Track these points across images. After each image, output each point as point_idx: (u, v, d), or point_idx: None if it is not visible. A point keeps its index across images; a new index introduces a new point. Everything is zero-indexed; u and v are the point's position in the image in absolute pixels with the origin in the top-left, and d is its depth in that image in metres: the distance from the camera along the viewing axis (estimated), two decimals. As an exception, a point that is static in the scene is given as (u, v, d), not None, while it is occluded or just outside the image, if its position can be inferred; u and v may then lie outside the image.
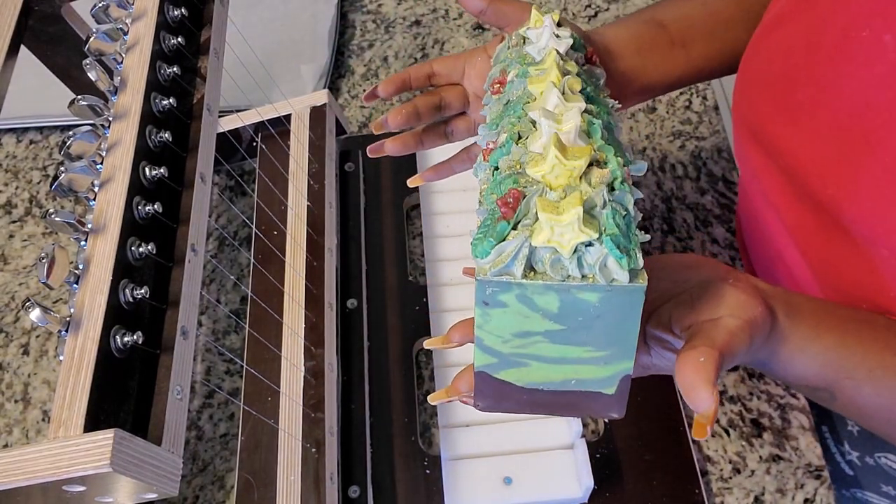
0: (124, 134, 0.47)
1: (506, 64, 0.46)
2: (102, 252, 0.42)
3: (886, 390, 0.44)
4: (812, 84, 0.48)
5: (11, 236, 0.80)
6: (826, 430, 0.77)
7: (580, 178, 0.34)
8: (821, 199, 0.49)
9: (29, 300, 0.39)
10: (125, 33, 0.51)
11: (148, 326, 0.43)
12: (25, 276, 0.78)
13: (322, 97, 0.75)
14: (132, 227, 0.44)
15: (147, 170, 0.46)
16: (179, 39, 0.53)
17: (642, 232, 0.34)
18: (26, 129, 0.88)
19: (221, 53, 0.56)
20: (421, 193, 0.77)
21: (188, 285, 0.45)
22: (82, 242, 0.43)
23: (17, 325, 0.74)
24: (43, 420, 0.69)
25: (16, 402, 0.70)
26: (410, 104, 0.54)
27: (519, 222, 0.33)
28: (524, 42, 0.46)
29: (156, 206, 0.45)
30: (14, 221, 0.82)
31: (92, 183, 0.45)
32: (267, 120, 0.74)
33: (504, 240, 0.33)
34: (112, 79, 0.49)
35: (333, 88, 0.89)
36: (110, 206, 0.44)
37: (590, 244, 0.32)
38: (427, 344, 0.44)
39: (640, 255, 0.32)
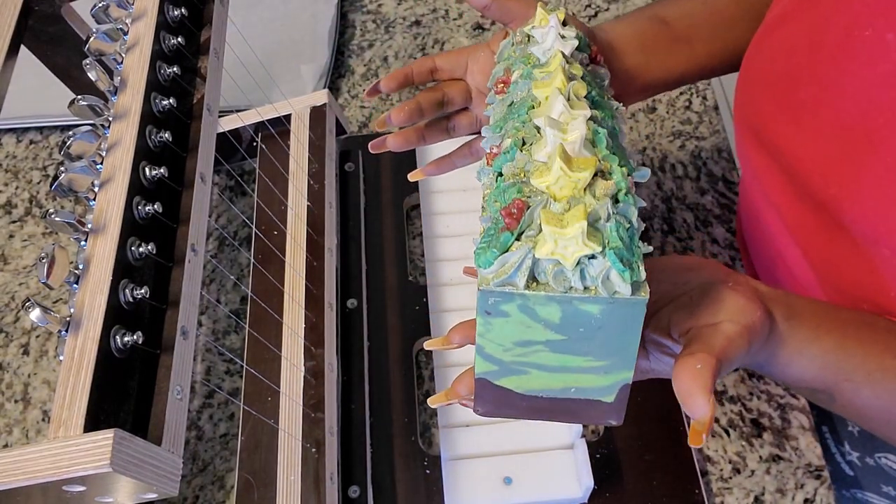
0: (124, 134, 0.47)
1: (510, 62, 0.46)
2: (102, 252, 0.42)
3: (886, 392, 0.44)
4: (814, 83, 0.48)
5: (11, 236, 0.80)
6: (826, 430, 0.77)
7: (584, 189, 0.34)
8: (822, 198, 0.49)
9: (29, 300, 0.39)
10: (125, 33, 0.51)
11: (148, 326, 0.43)
12: (25, 276, 0.78)
13: (322, 97, 0.75)
14: (132, 227, 0.44)
15: (147, 170, 0.46)
16: (179, 39, 0.53)
17: (645, 244, 0.34)
18: (26, 129, 0.88)
19: (221, 53, 0.56)
20: (421, 193, 0.77)
21: (188, 285, 0.45)
22: (82, 242, 0.43)
23: (17, 325, 0.74)
24: (43, 420, 0.69)
25: (16, 402, 0.70)
26: (413, 101, 0.53)
27: (522, 233, 0.33)
28: (528, 40, 0.46)
29: (156, 206, 0.45)
30: (14, 221, 0.82)
31: (92, 183, 0.45)
32: (267, 120, 0.74)
33: (507, 251, 0.33)
34: (112, 79, 0.49)
35: (333, 88, 0.89)
36: (110, 206, 0.44)
37: (593, 256, 0.32)
38: (427, 345, 0.44)
39: (642, 268, 0.32)
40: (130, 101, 0.48)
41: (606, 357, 0.35)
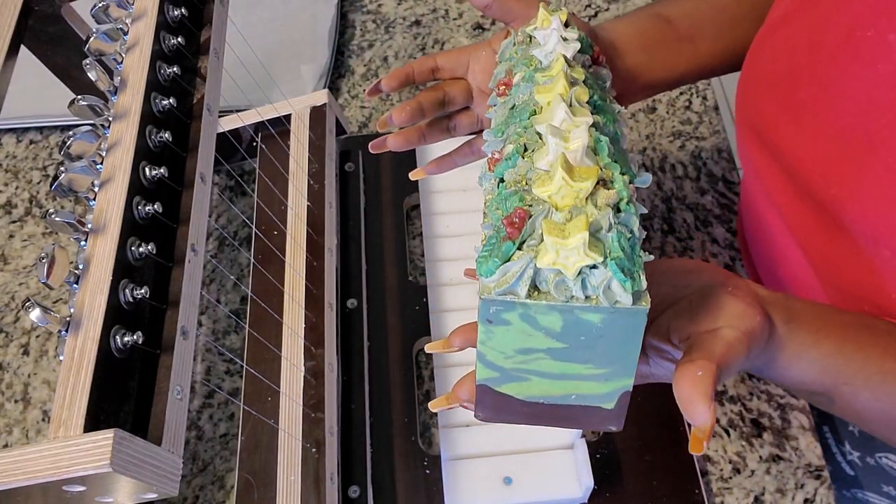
0: (124, 134, 0.46)
1: (511, 63, 0.46)
2: (102, 252, 0.42)
3: (885, 395, 0.44)
4: (815, 83, 0.48)
5: (11, 236, 0.80)
6: (827, 430, 0.77)
7: (586, 199, 0.34)
8: (823, 198, 0.49)
9: (29, 300, 0.39)
10: (125, 33, 0.51)
11: (148, 326, 0.43)
12: (25, 276, 0.78)
13: (322, 97, 0.75)
14: (132, 227, 0.44)
15: (147, 170, 0.46)
16: (179, 39, 0.53)
17: (646, 252, 0.34)
18: (26, 129, 0.88)
19: (221, 53, 0.56)
20: (421, 193, 0.77)
21: (188, 285, 0.45)
22: (82, 242, 0.43)
23: (17, 325, 0.74)
24: (43, 420, 0.69)
25: (16, 402, 0.70)
26: (414, 101, 0.53)
27: (524, 242, 0.33)
28: (530, 41, 0.46)
29: (156, 206, 0.45)
30: (14, 221, 0.82)
31: (92, 183, 0.45)
32: (267, 120, 0.74)
33: (509, 260, 0.33)
34: (112, 79, 0.49)
35: (333, 88, 0.89)
36: (110, 206, 0.44)
37: (594, 266, 0.32)
38: (428, 348, 0.44)
39: (643, 277, 0.33)
40: (130, 101, 0.48)
41: (607, 365, 0.36)
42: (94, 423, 0.38)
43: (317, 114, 0.75)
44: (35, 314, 0.39)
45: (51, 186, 0.43)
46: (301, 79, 0.86)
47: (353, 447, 0.64)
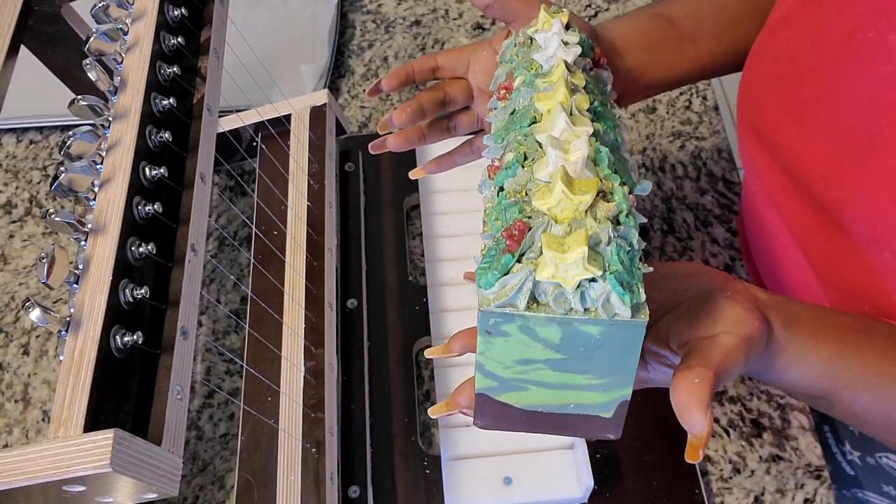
0: (124, 134, 0.46)
1: (512, 66, 0.46)
2: (102, 252, 0.42)
3: (884, 398, 0.44)
4: (816, 84, 0.48)
5: (11, 236, 0.80)
6: (827, 429, 0.77)
7: (586, 211, 0.34)
8: (824, 199, 0.49)
9: (29, 300, 0.39)
10: (125, 33, 0.51)
11: (148, 326, 0.43)
12: (25, 276, 0.78)
13: (322, 97, 0.75)
14: (132, 227, 0.44)
15: (147, 170, 0.46)
16: (179, 39, 0.53)
17: (645, 264, 0.34)
18: (26, 129, 0.88)
19: (221, 53, 0.56)
20: (421, 193, 0.77)
21: (188, 285, 0.45)
22: (82, 242, 0.43)
23: (17, 325, 0.74)
24: (43, 420, 0.69)
25: (16, 402, 0.70)
26: (415, 101, 0.53)
27: (523, 255, 0.33)
28: (531, 43, 0.46)
29: (156, 206, 0.45)
30: (14, 221, 0.82)
31: (92, 183, 0.45)
32: (267, 120, 0.74)
33: (508, 273, 0.33)
34: (112, 79, 0.49)
35: (333, 88, 0.89)
36: (110, 206, 0.44)
37: (593, 279, 0.32)
38: (428, 353, 0.44)
39: (642, 290, 0.33)
40: (130, 101, 0.48)
41: (606, 375, 0.36)
42: (94, 423, 0.38)
43: (317, 114, 0.75)
44: (35, 314, 0.39)
45: (51, 186, 0.43)
46: (301, 79, 0.86)
47: (353, 447, 0.64)
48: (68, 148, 0.44)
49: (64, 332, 0.40)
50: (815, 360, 0.43)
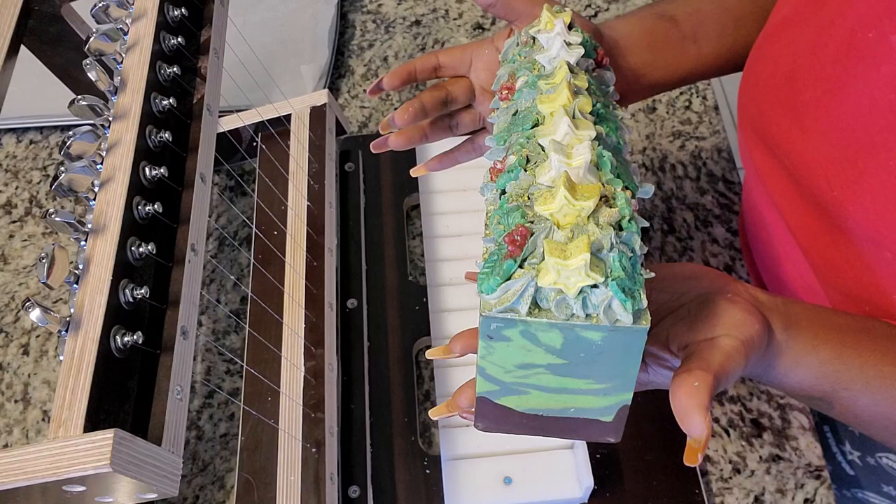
0: (124, 134, 0.46)
1: (515, 66, 0.46)
2: (102, 252, 0.42)
3: (884, 400, 0.44)
4: (818, 85, 0.48)
5: (11, 236, 0.80)
6: (827, 429, 0.77)
7: (588, 217, 0.34)
8: (825, 200, 0.49)
9: (29, 300, 0.39)
10: (125, 33, 0.51)
11: (148, 326, 0.43)
12: (25, 276, 0.78)
13: (322, 97, 0.75)
14: (132, 227, 0.44)
15: (147, 170, 0.46)
16: (179, 39, 0.53)
17: (647, 270, 0.34)
18: (26, 129, 0.88)
19: (221, 53, 0.56)
20: (421, 193, 0.77)
21: (188, 285, 0.45)
22: (82, 242, 0.43)
23: (17, 325, 0.74)
24: (43, 420, 0.69)
25: (16, 402, 0.70)
26: (416, 101, 0.53)
27: (525, 260, 0.34)
28: (534, 42, 0.46)
29: (156, 206, 0.45)
30: (14, 221, 0.82)
31: (92, 183, 0.45)
32: (267, 120, 0.74)
33: (510, 278, 0.33)
34: (112, 79, 0.49)
35: (333, 88, 0.89)
36: (110, 206, 0.44)
37: (595, 286, 0.32)
38: (429, 354, 0.44)
39: (643, 296, 0.33)
40: (130, 101, 0.48)
41: (606, 380, 0.36)
42: (94, 423, 0.38)
43: (317, 114, 0.75)
44: (35, 314, 0.39)
45: (51, 186, 0.43)
46: (301, 79, 0.86)
47: (353, 447, 0.64)
48: (68, 148, 0.44)
49: (64, 332, 0.40)
50: (814, 362, 0.43)
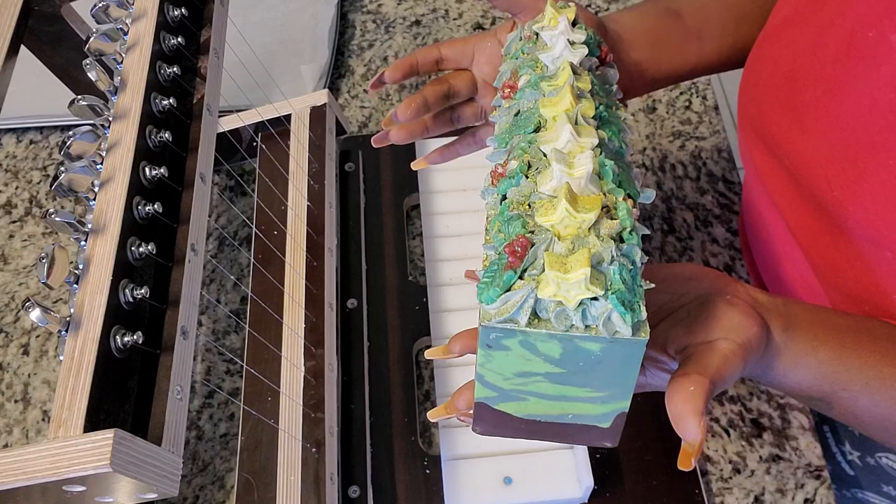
0: (124, 134, 0.46)
1: (517, 63, 0.45)
2: (102, 252, 0.42)
3: (884, 400, 0.43)
4: (818, 85, 0.48)
5: (11, 236, 0.80)
6: (827, 429, 0.77)
7: (589, 229, 0.34)
8: (824, 199, 0.49)
9: (29, 300, 0.39)
10: (125, 33, 0.51)
11: (148, 326, 0.43)
12: (25, 276, 0.78)
13: (322, 97, 0.75)
14: (132, 227, 0.44)
15: (147, 170, 0.46)
16: (179, 39, 0.53)
17: (647, 281, 0.34)
18: (26, 129, 0.88)
19: (221, 53, 0.56)
20: (421, 193, 0.77)
21: (188, 285, 0.45)
22: (82, 242, 0.43)
23: (17, 325, 0.74)
24: (43, 420, 0.69)
25: (16, 402, 0.70)
26: (419, 95, 0.52)
27: (525, 271, 0.34)
28: (536, 38, 0.45)
29: (156, 206, 0.45)
30: (14, 221, 0.82)
31: (92, 183, 0.45)
32: (267, 120, 0.74)
33: (510, 289, 0.33)
34: (112, 79, 0.49)
35: (333, 88, 0.89)
36: (110, 206, 0.44)
37: (595, 298, 0.32)
38: (428, 354, 0.44)
39: (643, 308, 0.33)
40: (130, 101, 0.48)
41: (605, 389, 0.36)
42: (93, 423, 0.38)
43: (317, 114, 0.75)
44: (35, 314, 0.39)
45: (51, 186, 0.43)
46: (301, 79, 0.86)
47: (353, 447, 0.64)
48: (68, 148, 0.44)
49: (64, 332, 0.40)
50: (814, 362, 0.43)
